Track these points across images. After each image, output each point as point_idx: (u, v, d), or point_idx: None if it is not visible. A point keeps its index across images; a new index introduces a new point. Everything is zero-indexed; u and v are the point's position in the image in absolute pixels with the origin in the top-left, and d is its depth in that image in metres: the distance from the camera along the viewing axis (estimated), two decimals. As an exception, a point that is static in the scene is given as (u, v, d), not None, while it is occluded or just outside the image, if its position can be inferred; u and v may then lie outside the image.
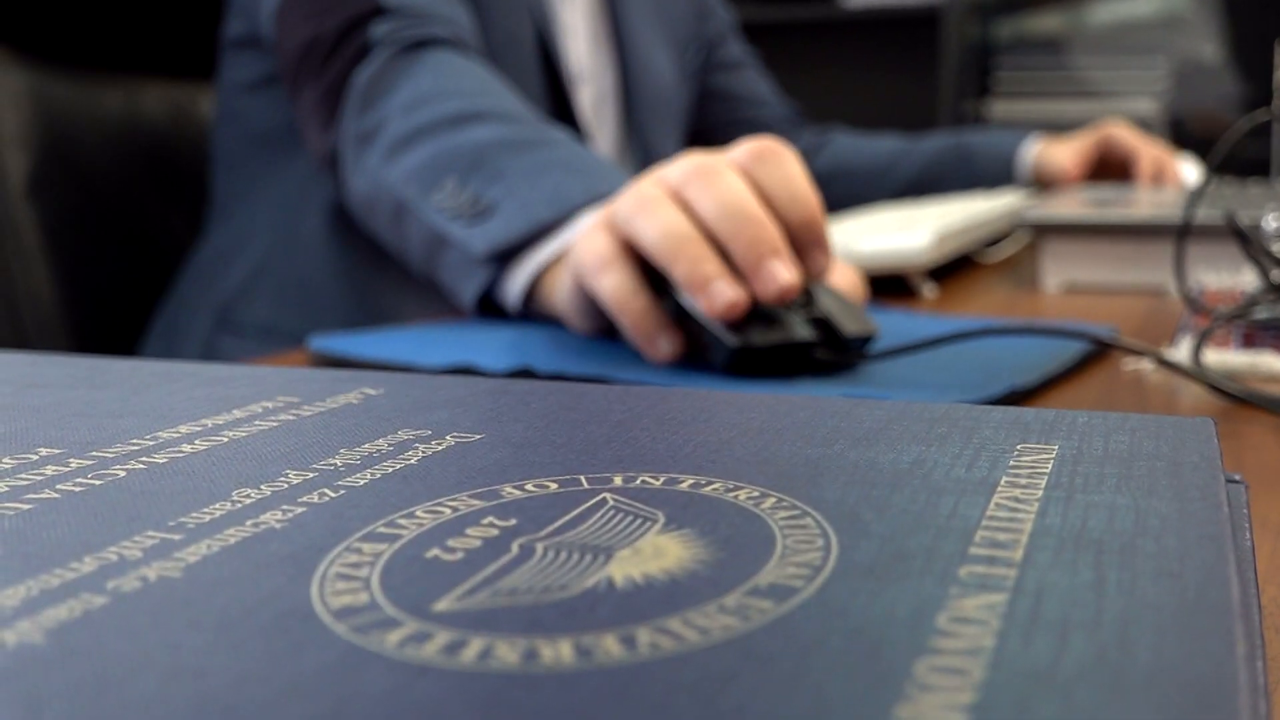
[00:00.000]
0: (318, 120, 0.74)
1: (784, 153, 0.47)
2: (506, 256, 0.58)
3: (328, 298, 0.86)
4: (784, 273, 0.44)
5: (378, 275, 0.85)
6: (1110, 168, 1.15)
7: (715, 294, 0.43)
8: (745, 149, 0.47)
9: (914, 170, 1.14)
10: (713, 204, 0.45)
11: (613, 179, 0.58)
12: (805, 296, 0.46)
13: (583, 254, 0.48)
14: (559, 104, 0.90)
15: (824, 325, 0.45)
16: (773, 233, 0.45)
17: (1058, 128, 2.01)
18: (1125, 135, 1.14)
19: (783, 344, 0.44)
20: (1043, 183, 1.12)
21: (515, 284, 0.58)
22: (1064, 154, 1.12)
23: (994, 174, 1.13)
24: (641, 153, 0.99)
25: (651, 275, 0.47)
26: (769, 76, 1.21)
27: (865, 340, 0.45)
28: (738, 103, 1.15)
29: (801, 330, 0.44)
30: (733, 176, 0.46)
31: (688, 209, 0.46)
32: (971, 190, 1.13)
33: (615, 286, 0.47)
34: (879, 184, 1.15)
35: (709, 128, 1.14)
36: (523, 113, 0.65)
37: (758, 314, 0.44)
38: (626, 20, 0.99)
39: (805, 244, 0.47)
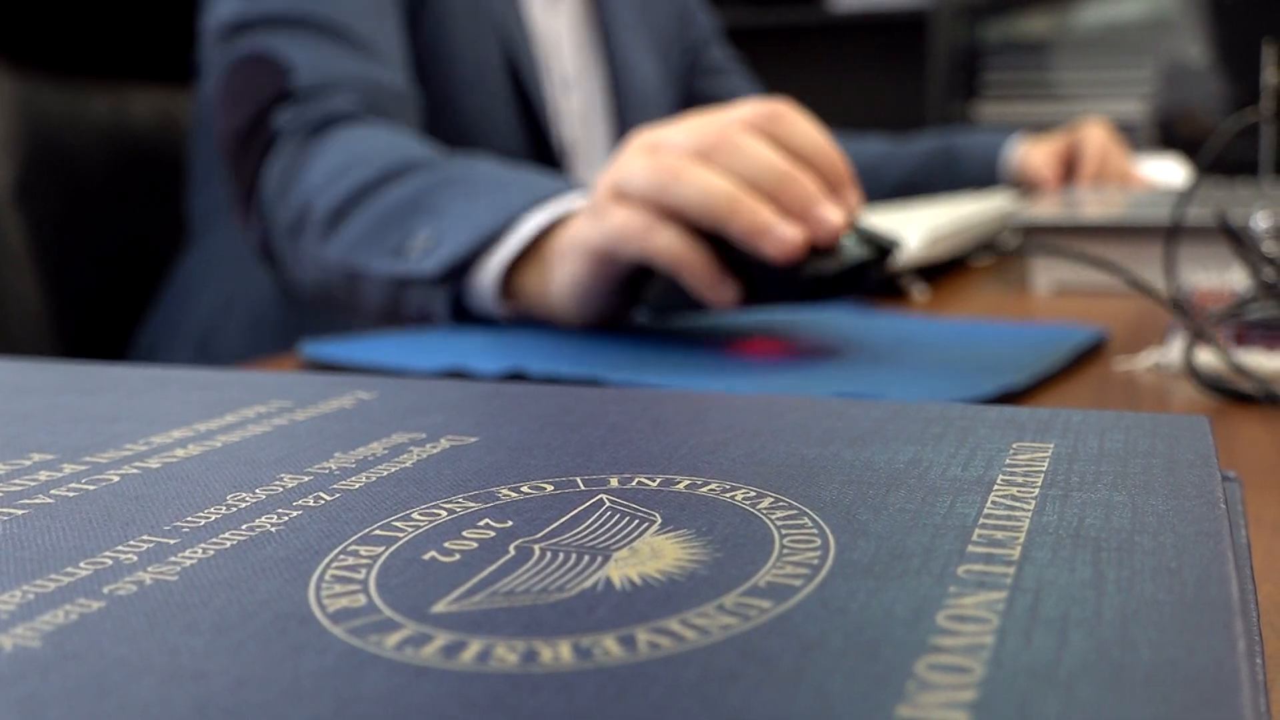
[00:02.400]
0: (238, 214, 0.75)
1: (793, 112, 0.50)
2: (461, 271, 0.58)
3: (298, 327, 0.87)
4: (834, 214, 0.47)
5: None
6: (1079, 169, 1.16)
7: (780, 237, 0.46)
8: (754, 111, 0.50)
9: (902, 173, 1.15)
10: (748, 164, 0.48)
11: (549, 184, 0.59)
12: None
13: (617, 226, 0.49)
14: (532, 122, 0.90)
15: (870, 243, 0.49)
16: (810, 182, 0.48)
17: (1045, 130, 2.01)
18: (1090, 138, 1.14)
19: (855, 264, 0.48)
20: (1024, 184, 1.13)
21: (485, 286, 0.58)
22: (1040, 159, 1.13)
23: (979, 176, 1.15)
24: None
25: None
26: (758, 80, 1.21)
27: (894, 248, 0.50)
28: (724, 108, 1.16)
29: (860, 250, 0.48)
30: (753, 139, 0.48)
31: (723, 170, 0.48)
32: (958, 191, 1.13)
33: (672, 242, 0.48)
34: (867, 185, 1.16)
35: None
36: (440, 158, 0.65)
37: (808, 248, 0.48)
38: (613, 25, 0.99)
39: (836, 186, 0.50)
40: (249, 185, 0.73)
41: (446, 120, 0.86)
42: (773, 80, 2.30)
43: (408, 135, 0.70)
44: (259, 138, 0.73)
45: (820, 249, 0.48)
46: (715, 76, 1.15)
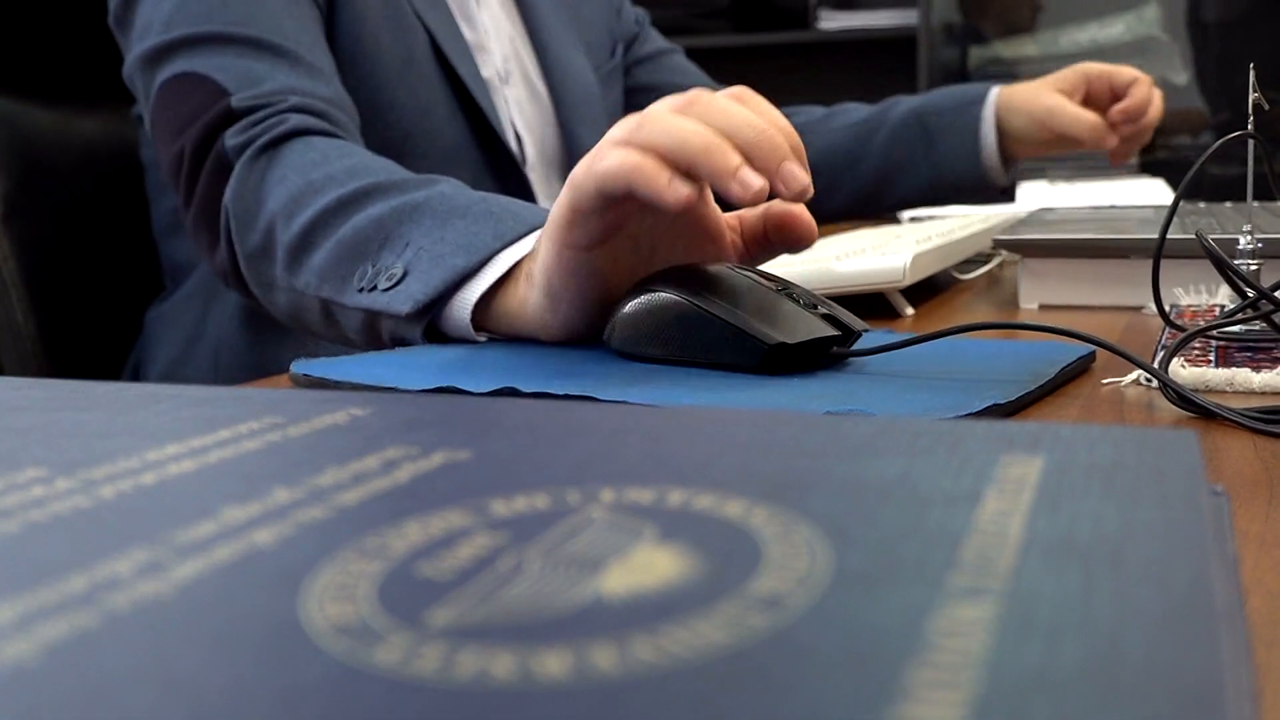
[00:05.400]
0: (203, 242, 0.74)
1: (755, 95, 0.50)
2: (433, 307, 0.58)
3: (259, 360, 0.88)
4: (803, 174, 0.47)
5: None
6: (1094, 104, 1.06)
7: (746, 181, 0.46)
8: (722, 92, 0.50)
9: (878, 158, 1.07)
10: (725, 119, 0.48)
11: (517, 219, 0.59)
12: (810, 298, 0.50)
13: (573, 178, 0.49)
14: (475, 112, 0.88)
15: (834, 322, 0.49)
16: (784, 141, 0.48)
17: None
18: (1103, 68, 1.06)
19: (812, 340, 0.48)
20: (1041, 137, 1.02)
21: (459, 318, 0.57)
22: (1065, 103, 1.01)
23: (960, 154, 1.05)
24: (571, 152, 0.98)
25: (664, 320, 0.49)
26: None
27: (859, 335, 0.51)
28: (668, 89, 1.13)
29: (822, 326, 0.48)
30: (728, 101, 0.49)
31: (699, 120, 0.48)
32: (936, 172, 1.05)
33: (619, 155, 0.47)
34: (844, 179, 1.08)
35: None
36: (399, 177, 0.65)
37: (771, 317, 0.48)
38: (538, 21, 0.98)
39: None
40: (211, 210, 0.72)
41: (381, 120, 0.84)
42: (761, 101, 2.30)
43: (360, 153, 0.69)
44: (208, 161, 0.72)
45: (774, 316, 0.48)
46: (655, 60, 1.13)
